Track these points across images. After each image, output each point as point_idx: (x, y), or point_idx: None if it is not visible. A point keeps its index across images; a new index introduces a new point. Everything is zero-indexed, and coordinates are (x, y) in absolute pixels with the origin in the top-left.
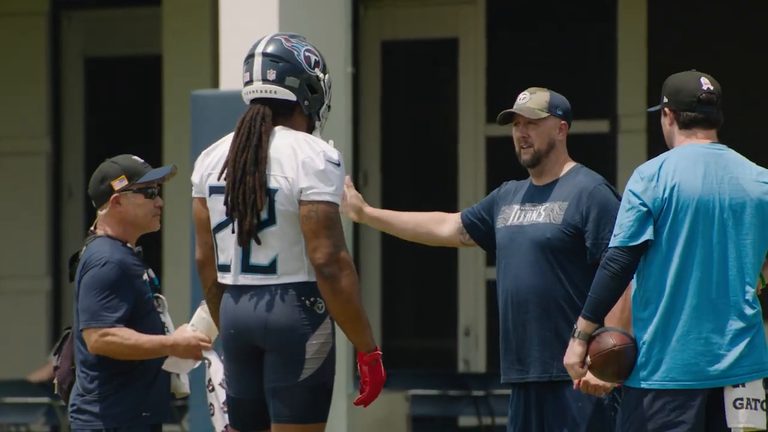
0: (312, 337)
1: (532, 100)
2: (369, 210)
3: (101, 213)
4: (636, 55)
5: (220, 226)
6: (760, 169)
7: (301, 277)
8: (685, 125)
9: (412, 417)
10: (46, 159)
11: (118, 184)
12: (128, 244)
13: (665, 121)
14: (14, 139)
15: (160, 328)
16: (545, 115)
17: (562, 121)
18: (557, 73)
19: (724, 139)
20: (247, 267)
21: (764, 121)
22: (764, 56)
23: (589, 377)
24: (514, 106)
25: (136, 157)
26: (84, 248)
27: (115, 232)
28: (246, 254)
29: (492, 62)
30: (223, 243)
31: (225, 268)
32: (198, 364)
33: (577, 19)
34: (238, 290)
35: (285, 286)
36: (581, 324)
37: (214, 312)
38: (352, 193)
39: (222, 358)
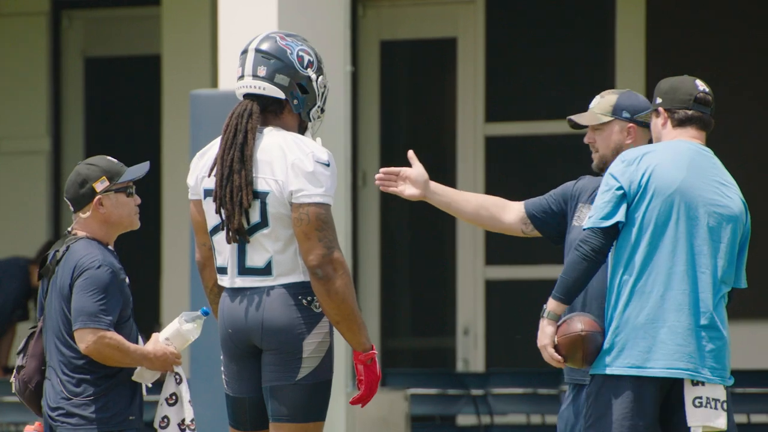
0: (309, 336)
1: (598, 104)
2: (432, 185)
3: (83, 216)
4: (635, 55)
5: (216, 229)
6: (737, 186)
7: (296, 278)
8: (680, 123)
9: (411, 416)
10: (46, 158)
11: (100, 185)
12: (109, 246)
13: (657, 122)
14: (15, 139)
15: (137, 333)
16: (607, 119)
17: (630, 125)
18: (556, 73)
19: (725, 136)
20: (243, 269)
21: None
22: (764, 58)
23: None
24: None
25: (110, 158)
26: (64, 249)
27: (96, 235)
28: (242, 256)
29: (491, 62)
30: (220, 245)
31: (223, 271)
32: (159, 376)
33: (576, 19)
34: (235, 292)
35: (281, 287)
36: (551, 304)
37: (216, 313)
38: (417, 168)
39: (221, 357)
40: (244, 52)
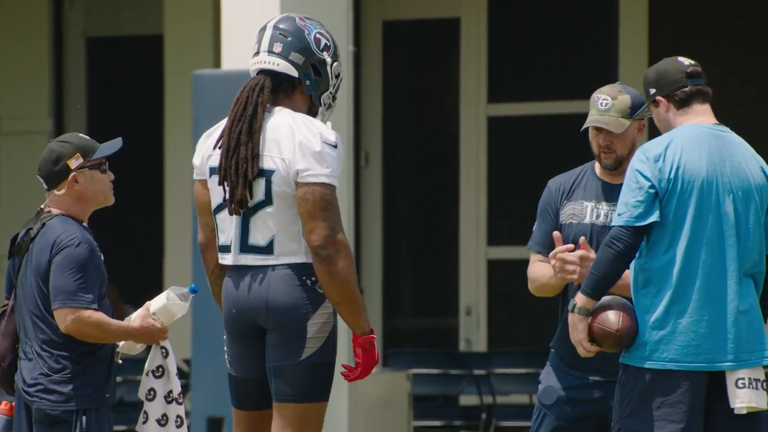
0: (313, 317)
1: (614, 108)
2: None
3: (57, 193)
4: (638, 34)
5: (220, 207)
6: (758, 156)
7: (299, 258)
8: (683, 102)
9: (414, 396)
10: (48, 139)
11: (74, 162)
12: (84, 223)
13: (659, 111)
14: (17, 119)
15: (112, 311)
16: (629, 122)
17: (642, 121)
18: (559, 53)
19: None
20: (245, 247)
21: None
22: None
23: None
24: (596, 114)
25: (83, 135)
26: (39, 226)
27: (71, 211)
28: (245, 234)
29: (494, 42)
30: (223, 224)
31: (225, 249)
32: (144, 348)
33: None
34: (238, 270)
35: (284, 267)
36: (580, 299)
37: (218, 294)
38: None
39: (224, 337)
40: (263, 29)
